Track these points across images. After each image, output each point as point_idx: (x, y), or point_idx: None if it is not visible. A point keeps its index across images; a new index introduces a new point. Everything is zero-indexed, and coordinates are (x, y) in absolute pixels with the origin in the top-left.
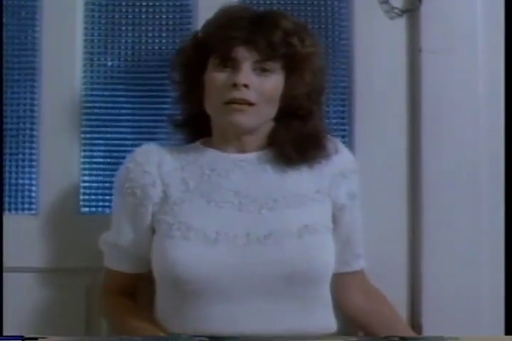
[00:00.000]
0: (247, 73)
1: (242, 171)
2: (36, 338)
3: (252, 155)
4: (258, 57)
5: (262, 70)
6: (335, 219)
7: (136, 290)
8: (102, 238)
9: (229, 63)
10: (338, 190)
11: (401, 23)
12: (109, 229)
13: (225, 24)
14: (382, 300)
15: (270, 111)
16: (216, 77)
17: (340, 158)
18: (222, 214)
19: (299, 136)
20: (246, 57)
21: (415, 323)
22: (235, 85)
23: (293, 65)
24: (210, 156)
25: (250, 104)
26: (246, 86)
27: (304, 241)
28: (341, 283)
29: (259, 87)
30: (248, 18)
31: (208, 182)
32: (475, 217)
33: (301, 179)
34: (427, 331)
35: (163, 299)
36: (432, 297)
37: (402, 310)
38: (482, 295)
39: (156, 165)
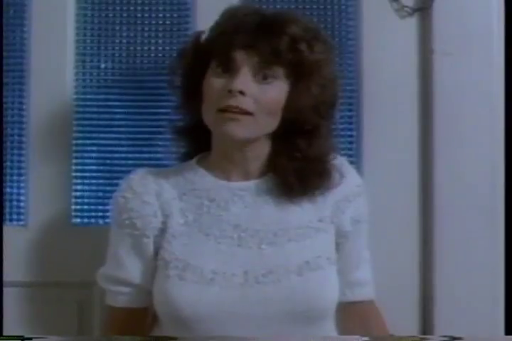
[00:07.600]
0: (244, 79)
1: (242, 202)
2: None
3: (251, 184)
4: (259, 61)
5: (263, 77)
6: (337, 247)
7: (146, 326)
8: (100, 274)
9: (228, 68)
10: (343, 216)
11: (412, 22)
12: (105, 264)
13: (228, 29)
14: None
15: (270, 122)
16: (213, 83)
17: (345, 183)
18: (220, 250)
19: (301, 163)
20: (245, 61)
21: None
22: (230, 91)
23: (299, 73)
24: (209, 184)
25: (246, 113)
26: (242, 92)
27: (305, 279)
28: (339, 313)
29: (258, 95)
30: (254, 23)
31: (207, 214)
32: (490, 232)
33: (303, 209)
34: None
35: (164, 331)
36: (444, 313)
37: (414, 326)
38: (497, 314)
39: (155, 194)
